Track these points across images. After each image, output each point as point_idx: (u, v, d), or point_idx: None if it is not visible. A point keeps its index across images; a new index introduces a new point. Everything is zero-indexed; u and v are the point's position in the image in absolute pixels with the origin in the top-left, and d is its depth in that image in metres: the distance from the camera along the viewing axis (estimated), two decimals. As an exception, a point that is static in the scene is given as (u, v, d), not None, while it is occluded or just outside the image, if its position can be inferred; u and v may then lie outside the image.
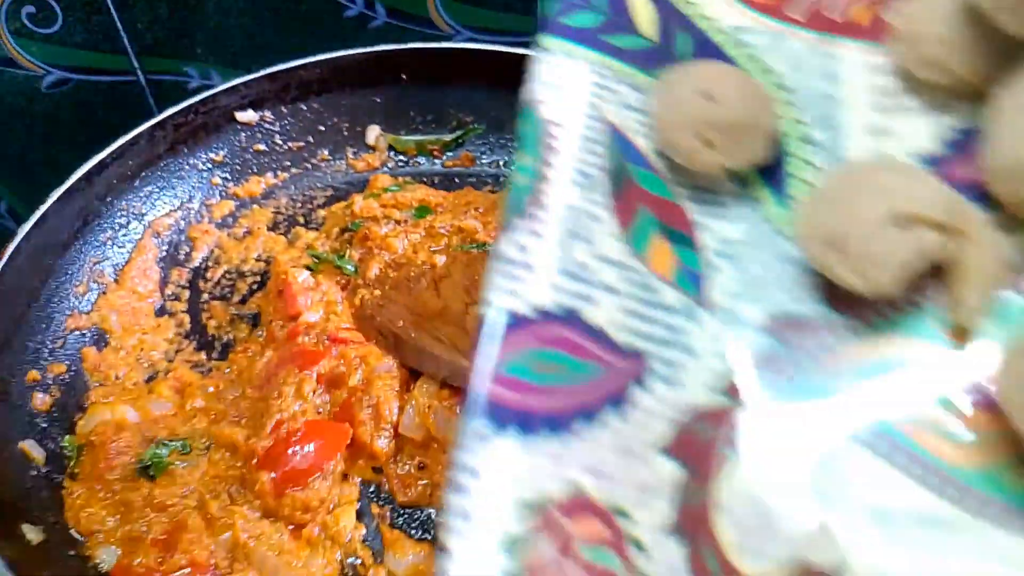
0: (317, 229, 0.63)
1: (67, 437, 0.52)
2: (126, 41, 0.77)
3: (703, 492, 0.29)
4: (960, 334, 0.29)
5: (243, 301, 0.59)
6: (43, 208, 0.56)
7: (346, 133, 0.68)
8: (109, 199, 0.60)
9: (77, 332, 0.56)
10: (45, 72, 0.77)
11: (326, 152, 0.67)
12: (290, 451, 0.49)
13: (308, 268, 0.59)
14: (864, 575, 0.26)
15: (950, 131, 0.32)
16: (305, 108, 0.67)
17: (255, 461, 0.49)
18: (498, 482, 0.27)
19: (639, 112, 0.35)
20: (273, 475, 0.48)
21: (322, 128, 0.67)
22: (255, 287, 0.60)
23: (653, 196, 0.34)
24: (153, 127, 0.62)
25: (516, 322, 0.30)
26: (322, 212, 0.65)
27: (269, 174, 0.66)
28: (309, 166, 0.67)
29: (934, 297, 0.30)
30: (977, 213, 0.30)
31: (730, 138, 0.33)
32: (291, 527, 0.48)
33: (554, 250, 0.32)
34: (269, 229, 0.64)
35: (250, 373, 0.54)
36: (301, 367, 0.52)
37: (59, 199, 0.57)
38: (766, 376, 0.30)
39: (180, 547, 0.46)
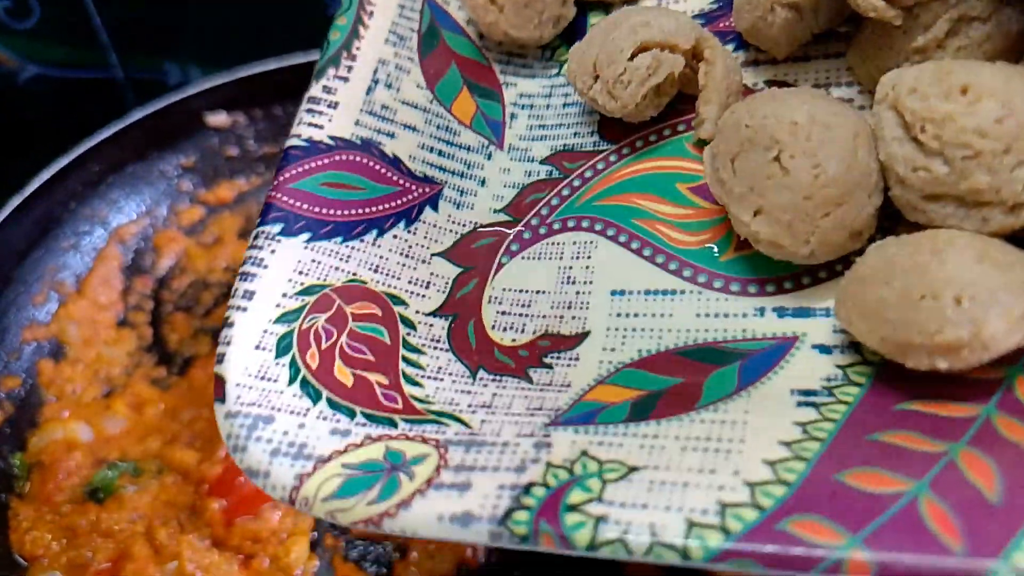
0: (288, 238, 0.61)
1: (17, 454, 0.50)
2: (105, 37, 0.75)
3: (477, 286, 0.34)
4: (701, 146, 0.34)
5: (207, 314, 0.58)
6: (0, 217, 0.54)
7: (322, 138, 0.65)
8: (72, 205, 0.59)
9: (34, 344, 0.55)
10: (21, 67, 0.75)
11: (301, 157, 0.65)
12: (241, 478, 0.47)
13: (275, 280, 0.57)
14: (600, 337, 0.31)
15: None
16: (279, 111, 0.64)
17: (206, 487, 0.47)
18: (283, 270, 0.32)
19: None
20: (224, 502, 0.47)
21: (297, 132, 0.65)
22: (220, 299, 0.58)
23: (464, 57, 0.40)
24: (120, 130, 0.60)
25: (314, 148, 0.34)
26: (295, 220, 0.63)
27: (241, 179, 0.64)
28: (283, 172, 0.65)
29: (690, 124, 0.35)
30: (717, 43, 0.34)
31: (517, 7, 0.38)
32: (241, 557, 0.46)
33: (360, 93, 0.36)
34: (239, 237, 0.62)
35: (208, 392, 0.52)
36: (258, 388, 0.50)
37: (18, 206, 0.55)
38: (540, 196, 0.36)
39: (124, 576, 0.45)
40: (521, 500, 0.25)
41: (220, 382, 0.29)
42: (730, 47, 0.36)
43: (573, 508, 0.25)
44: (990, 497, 0.22)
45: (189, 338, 0.56)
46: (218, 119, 0.63)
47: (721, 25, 0.37)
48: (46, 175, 0.57)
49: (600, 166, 0.36)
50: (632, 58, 0.33)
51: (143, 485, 0.48)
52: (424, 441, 0.28)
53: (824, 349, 0.28)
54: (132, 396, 0.53)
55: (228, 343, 0.30)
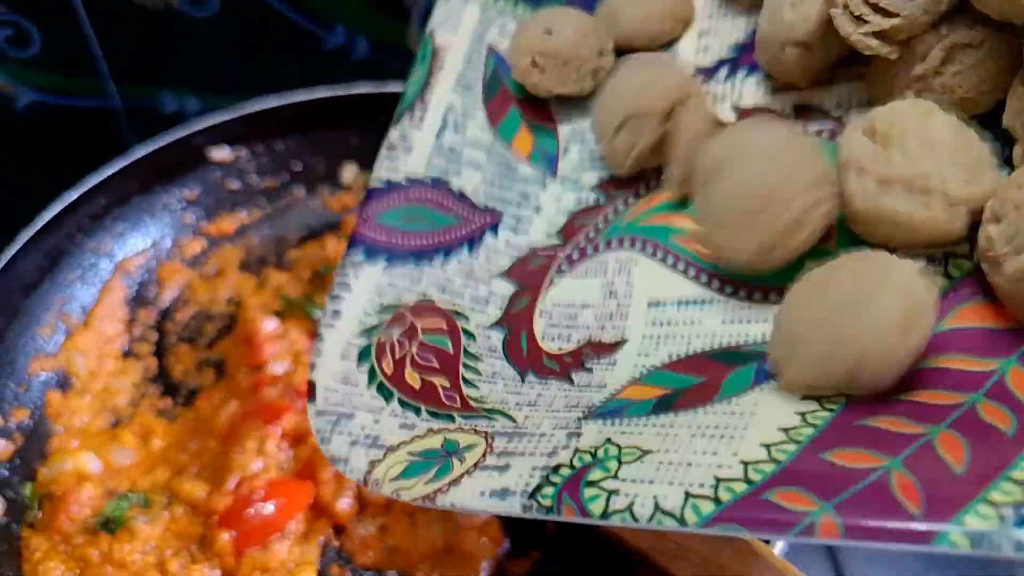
0: (289, 270, 0.63)
1: (27, 485, 0.52)
2: (103, 65, 0.76)
3: (529, 302, 0.39)
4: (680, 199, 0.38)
5: (210, 345, 0.59)
6: (11, 251, 0.55)
7: (322, 172, 0.67)
8: (79, 238, 0.60)
9: (42, 375, 0.56)
10: (19, 95, 0.76)
11: (301, 191, 0.67)
12: (250, 510, 0.49)
13: (277, 313, 0.59)
14: (636, 343, 0.35)
15: (754, 24, 0.40)
16: (281, 146, 0.66)
17: (215, 519, 0.49)
18: (365, 292, 0.38)
19: None
20: (233, 533, 0.48)
21: (297, 166, 0.67)
22: (223, 330, 0.60)
23: (522, 100, 0.44)
24: (125, 166, 0.61)
25: (391, 187, 0.40)
26: (295, 252, 0.65)
27: (243, 212, 0.66)
28: (283, 205, 0.67)
29: None
30: (689, 97, 0.38)
31: (557, 67, 0.42)
32: (250, 587, 0.48)
33: (430, 137, 0.42)
34: (240, 269, 0.63)
35: (214, 423, 0.54)
36: (265, 421, 0.52)
37: (29, 240, 0.57)
38: (587, 221, 0.40)
39: (137, 606, 0.46)
40: (550, 478, 0.30)
41: (312, 386, 0.35)
42: (760, 75, 0.40)
43: (591, 484, 0.29)
44: (956, 470, 0.25)
45: (193, 369, 0.58)
46: (221, 153, 0.65)
47: (747, 57, 0.41)
48: (56, 208, 0.58)
49: (641, 192, 0.40)
50: (617, 132, 0.38)
51: (153, 516, 0.50)
52: (475, 432, 0.33)
53: None
54: (139, 427, 0.55)
55: (319, 354, 0.36)
